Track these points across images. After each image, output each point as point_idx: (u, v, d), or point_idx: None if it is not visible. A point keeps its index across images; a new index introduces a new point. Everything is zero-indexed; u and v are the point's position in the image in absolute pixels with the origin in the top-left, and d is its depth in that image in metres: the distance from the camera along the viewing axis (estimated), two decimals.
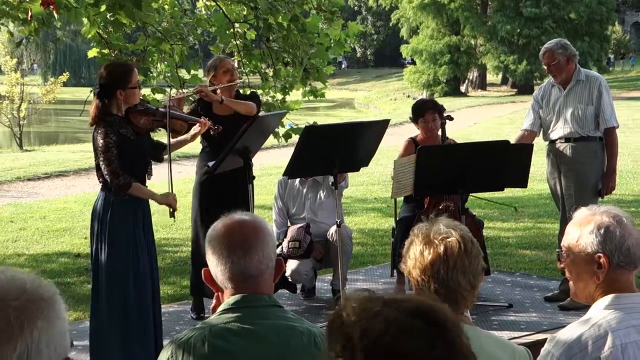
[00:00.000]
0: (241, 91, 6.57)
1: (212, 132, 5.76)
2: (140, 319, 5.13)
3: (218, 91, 6.14)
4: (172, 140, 5.42)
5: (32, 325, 1.52)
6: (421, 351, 1.46)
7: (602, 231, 2.57)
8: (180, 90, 6.03)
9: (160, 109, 5.43)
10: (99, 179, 5.22)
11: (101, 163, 5.04)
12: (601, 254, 2.56)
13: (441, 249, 2.43)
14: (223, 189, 6.08)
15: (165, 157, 5.46)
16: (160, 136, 5.68)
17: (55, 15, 6.15)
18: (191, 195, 6.48)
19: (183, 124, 5.55)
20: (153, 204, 5.30)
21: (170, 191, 5.31)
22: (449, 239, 2.45)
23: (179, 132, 5.53)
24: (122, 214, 5.12)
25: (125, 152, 5.07)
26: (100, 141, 5.02)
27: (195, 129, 5.63)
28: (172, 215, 5.31)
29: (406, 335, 1.47)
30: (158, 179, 6.00)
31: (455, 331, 1.51)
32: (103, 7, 6.70)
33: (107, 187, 5.13)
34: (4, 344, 1.50)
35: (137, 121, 5.20)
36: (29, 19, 6.52)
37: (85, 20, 7.66)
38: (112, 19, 7.45)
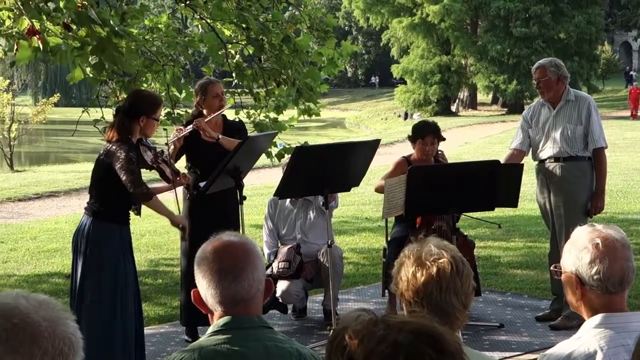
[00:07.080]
0: (228, 116, 6.56)
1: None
2: (125, 341, 5.15)
3: (205, 111, 6.18)
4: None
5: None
6: None
7: (575, 252, 2.56)
8: (179, 127, 6.09)
9: (164, 151, 5.56)
10: (91, 198, 5.25)
11: (122, 174, 5.05)
12: (573, 275, 2.57)
13: (434, 270, 2.43)
14: (212, 209, 6.08)
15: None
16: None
17: (41, 45, 6.12)
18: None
19: (172, 172, 5.62)
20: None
21: (180, 213, 5.55)
22: (440, 260, 2.45)
23: (168, 179, 5.58)
24: (109, 238, 5.17)
25: None
26: (123, 154, 5.07)
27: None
28: (184, 238, 5.59)
29: None
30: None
31: (462, 358, 1.51)
32: (89, 49, 6.70)
33: (92, 212, 5.18)
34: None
35: (145, 155, 5.25)
36: (15, 51, 6.53)
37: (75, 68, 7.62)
38: (93, 62, 7.47)
